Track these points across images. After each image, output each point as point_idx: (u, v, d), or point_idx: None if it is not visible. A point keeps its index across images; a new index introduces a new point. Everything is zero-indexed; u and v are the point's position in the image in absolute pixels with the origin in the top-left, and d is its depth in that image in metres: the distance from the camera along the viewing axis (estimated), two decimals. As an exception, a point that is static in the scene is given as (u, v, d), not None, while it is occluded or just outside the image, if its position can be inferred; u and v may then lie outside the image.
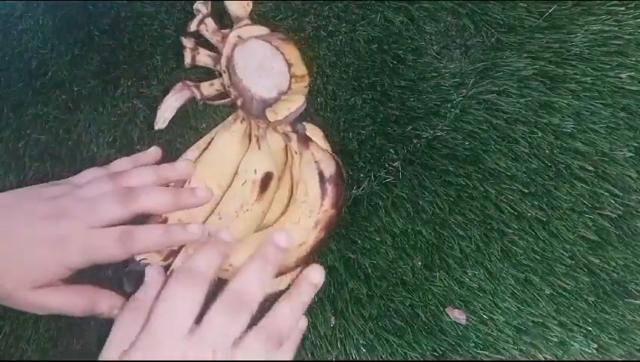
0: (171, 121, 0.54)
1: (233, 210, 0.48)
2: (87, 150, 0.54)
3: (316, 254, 0.52)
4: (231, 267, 0.48)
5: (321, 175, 0.50)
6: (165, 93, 0.53)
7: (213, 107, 0.54)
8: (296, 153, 0.51)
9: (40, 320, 0.52)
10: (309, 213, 0.50)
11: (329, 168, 0.51)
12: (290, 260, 0.50)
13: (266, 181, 0.49)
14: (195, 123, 0.54)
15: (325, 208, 0.50)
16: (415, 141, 0.54)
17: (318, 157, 0.51)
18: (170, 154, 0.53)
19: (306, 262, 0.51)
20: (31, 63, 0.56)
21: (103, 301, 0.45)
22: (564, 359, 0.50)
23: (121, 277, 0.50)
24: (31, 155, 0.54)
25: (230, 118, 0.53)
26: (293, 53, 0.51)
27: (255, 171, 0.49)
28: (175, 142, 0.54)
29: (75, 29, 0.56)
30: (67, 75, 0.56)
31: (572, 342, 0.51)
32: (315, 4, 0.56)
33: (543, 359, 0.51)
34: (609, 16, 0.54)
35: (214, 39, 0.52)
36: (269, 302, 0.42)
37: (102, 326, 0.51)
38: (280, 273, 0.50)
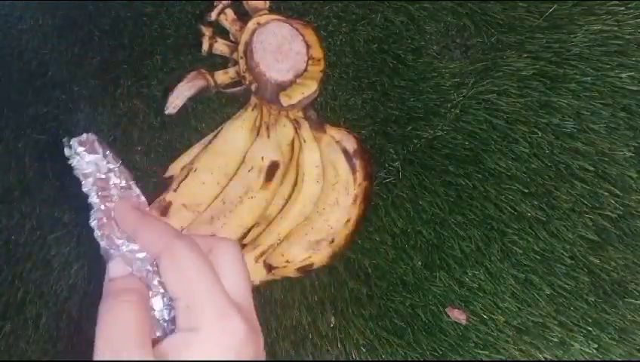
0: (171, 120, 0.54)
1: (237, 196, 0.49)
2: (87, 150, 0.54)
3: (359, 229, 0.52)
4: (288, 263, 0.49)
5: (345, 152, 0.51)
6: (165, 92, 0.53)
7: (213, 107, 0.54)
8: (304, 141, 0.51)
9: (40, 320, 0.52)
10: (345, 191, 0.50)
11: (351, 144, 0.51)
12: (340, 238, 0.50)
13: (272, 169, 0.49)
14: (195, 123, 0.54)
15: (359, 182, 0.50)
16: (415, 141, 0.54)
17: (337, 137, 0.51)
18: (170, 154, 0.53)
19: (352, 238, 0.51)
20: (31, 63, 0.56)
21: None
22: (564, 359, 0.50)
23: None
24: (31, 155, 0.54)
25: (240, 111, 0.53)
26: (311, 36, 0.52)
27: (262, 159, 0.49)
28: (175, 142, 0.54)
29: (75, 29, 0.56)
30: (67, 75, 0.55)
31: (572, 342, 0.51)
32: (315, 4, 0.56)
33: (543, 359, 0.51)
34: (609, 16, 0.54)
35: (233, 29, 0.53)
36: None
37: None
38: (334, 254, 0.50)
